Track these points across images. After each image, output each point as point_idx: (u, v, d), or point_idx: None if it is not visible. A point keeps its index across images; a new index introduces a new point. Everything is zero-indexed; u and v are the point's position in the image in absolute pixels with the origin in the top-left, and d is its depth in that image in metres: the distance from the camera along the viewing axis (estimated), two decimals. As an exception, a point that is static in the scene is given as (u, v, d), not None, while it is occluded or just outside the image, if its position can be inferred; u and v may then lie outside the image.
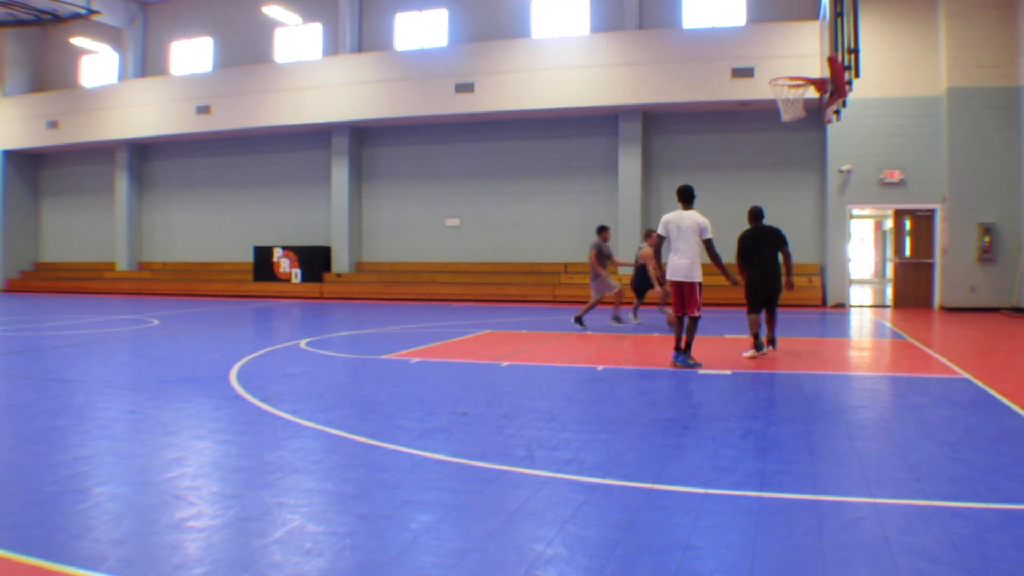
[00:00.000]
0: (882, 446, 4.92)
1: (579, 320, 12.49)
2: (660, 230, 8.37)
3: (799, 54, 17.31)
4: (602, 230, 13.24)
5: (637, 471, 4.33)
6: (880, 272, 32.24)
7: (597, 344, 10.54)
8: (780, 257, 9.38)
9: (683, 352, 8.24)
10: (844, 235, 18.10)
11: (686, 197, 8.36)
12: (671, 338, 10.21)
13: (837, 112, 12.35)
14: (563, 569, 2.97)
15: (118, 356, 9.68)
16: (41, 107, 25.08)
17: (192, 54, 24.29)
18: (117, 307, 18.25)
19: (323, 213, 22.75)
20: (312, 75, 21.61)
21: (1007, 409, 6.04)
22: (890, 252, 20.63)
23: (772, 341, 9.65)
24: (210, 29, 23.85)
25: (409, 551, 3.15)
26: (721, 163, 19.42)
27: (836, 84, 10.76)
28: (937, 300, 17.48)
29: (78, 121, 24.34)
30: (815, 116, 16.24)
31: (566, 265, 20.56)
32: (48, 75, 26.46)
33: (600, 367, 8.34)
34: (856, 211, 20.69)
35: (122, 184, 24.75)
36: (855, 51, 10.69)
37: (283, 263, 22.51)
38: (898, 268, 18.27)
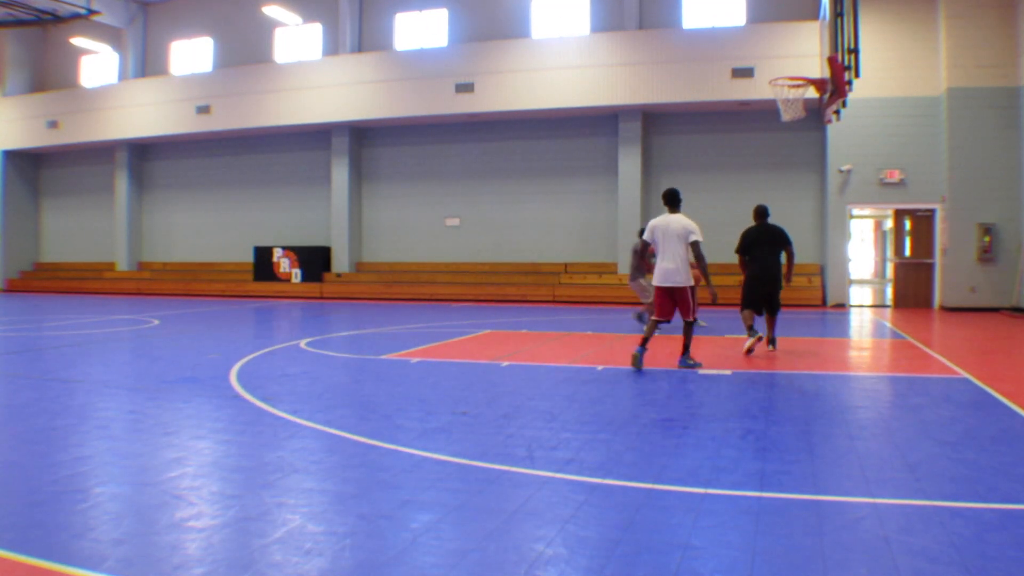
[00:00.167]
0: (882, 446, 4.92)
1: (639, 317, 12.33)
2: (647, 236, 8.30)
3: (799, 54, 17.31)
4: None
5: (637, 471, 4.33)
6: (880, 272, 32.25)
7: (597, 344, 10.54)
8: (783, 256, 9.43)
9: (682, 353, 8.29)
10: (844, 235, 18.10)
11: (672, 201, 8.23)
12: (671, 338, 10.25)
13: (837, 112, 12.36)
14: (563, 569, 2.97)
15: (118, 356, 9.68)
16: (41, 107, 25.08)
17: (192, 54, 24.29)
18: (117, 307, 18.25)
19: (323, 213, 22.75)
20: (312, 75, 21.61)
21: (1007, 409, 6.04)
22: (890, 252, 20.63)
23: (772, 341, 9.68)
24: (210, 29, 23.85)
25: (409, 551, 3.15)
26: (721, 163, 19.41)
27: (836, 84, 10.77)
28: (937, 300, 17.48)
29: (78, 121, 24.33)
30: (815, 116, 16.23)
31: (566, 265, 20.56)
32: (48, 75, 26.46)
33: (600, 367, 8.34)
34: (856, 211, 20.69)
35: (122, 184, 24.75)
36: (855, 51, 10.70)
37: (283, 263, 22.51)
38: (898, 268, 18.27)
